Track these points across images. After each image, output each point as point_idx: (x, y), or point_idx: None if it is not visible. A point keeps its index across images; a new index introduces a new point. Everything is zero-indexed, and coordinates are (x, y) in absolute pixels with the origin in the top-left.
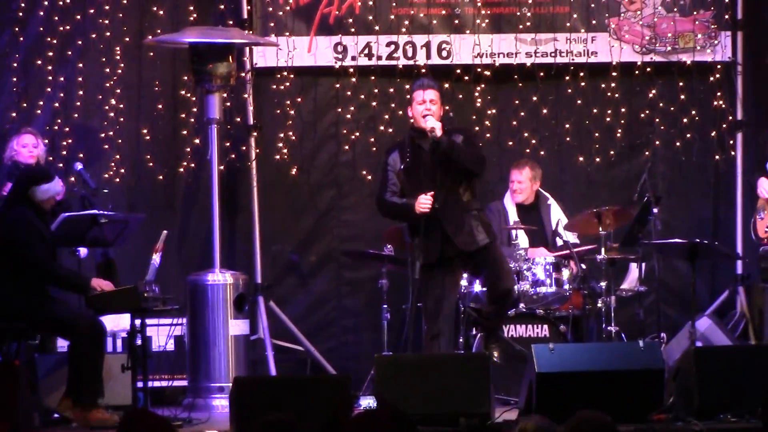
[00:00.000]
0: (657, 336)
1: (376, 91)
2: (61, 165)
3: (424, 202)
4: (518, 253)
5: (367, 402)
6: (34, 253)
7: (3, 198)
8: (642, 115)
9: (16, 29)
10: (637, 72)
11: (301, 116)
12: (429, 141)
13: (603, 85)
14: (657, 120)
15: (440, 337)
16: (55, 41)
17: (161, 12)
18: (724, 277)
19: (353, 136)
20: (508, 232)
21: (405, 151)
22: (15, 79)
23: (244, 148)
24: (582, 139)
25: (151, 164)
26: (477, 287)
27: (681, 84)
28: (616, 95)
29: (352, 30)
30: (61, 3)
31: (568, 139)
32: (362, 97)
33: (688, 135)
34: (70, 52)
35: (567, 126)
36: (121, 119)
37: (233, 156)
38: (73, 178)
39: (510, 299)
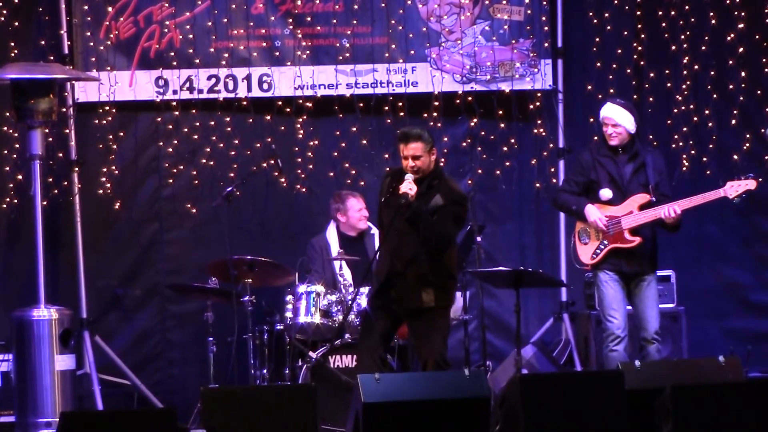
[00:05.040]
0: (483, 364)
1: (197, 124)
2: None
3: (408, 186)
4: (343, 284)
5: None
6: None
7: None
8: (463, 144)
9: None
10: (458, 101)
11: (123, 151)
12: (400, 198)
13: (424, 115)
14: (479, 149)
15: (363, 362)
16: None
17: None
18: (549, 304)
19: (175, 170)
20: (331, 264)
21: (391, 187)
22: None
23: (66, 183)
24: None
25: None
26: (302, 318)
27: (501, 112)
28: (438, 125)
29: (173, 64)
30: None
31: (388, 169)
32: (184, 130)
33: (509, 163)
34: None
35: (386, 156)
36: None
37: (56, 191)
38: None
39: (438, 367)
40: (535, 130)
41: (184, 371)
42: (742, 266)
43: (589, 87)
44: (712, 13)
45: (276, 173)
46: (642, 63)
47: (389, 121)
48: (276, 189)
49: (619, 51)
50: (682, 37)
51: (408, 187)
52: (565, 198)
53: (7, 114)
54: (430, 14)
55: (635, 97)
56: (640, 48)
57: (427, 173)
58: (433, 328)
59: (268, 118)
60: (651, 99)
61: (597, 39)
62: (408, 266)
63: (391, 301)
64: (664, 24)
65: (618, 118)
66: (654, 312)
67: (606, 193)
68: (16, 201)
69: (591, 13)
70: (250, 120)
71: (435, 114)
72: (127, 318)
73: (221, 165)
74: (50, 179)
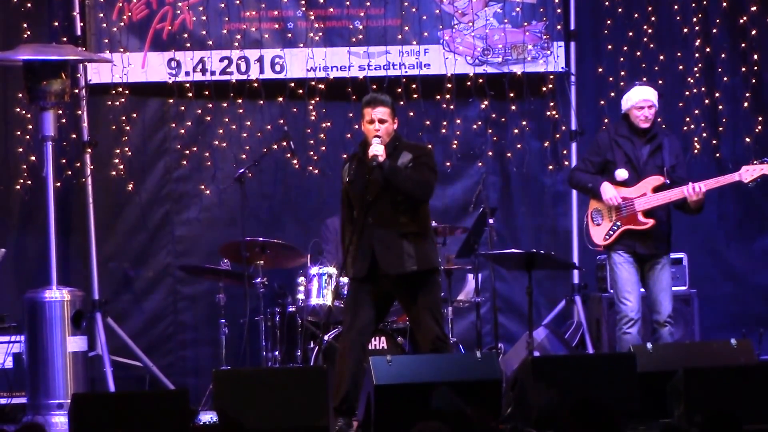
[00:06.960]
0: (495, 346)
1: (210, 106)
2: None
3: (376, 148)
4: None
5: (209, 417)
6: None
7: None
8: (475, 126)
9: None
10: (469, 83)
11: (135, 132)
12: (371, 162)
13: (437, 97)
14: (490, 131)
15: (345, 349)
16: None
17: None
18: (561, 286)
19: (188, 152)
20: None
21: (353, 164)
22: None
23: (79, 164)
24: None
25: None
26: (314, 300)
27: (513, 95)
28: (450, 107)
29: (186, 45)
30: None
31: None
32: (197, 112)
33: (520, 145)
34: None
35: None
36: None
37: (69, 173)
38: None
39: (435, 346)
40: (548, 113)
41: (196, 353)
42: (754, 249)
43: (600, 69)
44: None
45: (288, 155)
46: (652, 45)
47: (402, 103)
48: (288, 171)
49: (631, 33)
50: (694, 19)
51: (376, 149)
52: (581, 176)
53: (20, 95)
54: None
55: (645, 79)
56: (650, 31)
57: (388, 140)
58: (425, 301)
59: (281, 99)
60: (662, 81)
61: (608, 21)
62: (389, 229)
63: (377, 279)
64: (676, 6)
65: (654, 98)
66: (667, 295)
67: (621, 173)
68: (29, 182)
69: None
70: (262, 102)
71: (447, 96)
72: (139, 300)
73: (233, 147)
74: (63, 161)
